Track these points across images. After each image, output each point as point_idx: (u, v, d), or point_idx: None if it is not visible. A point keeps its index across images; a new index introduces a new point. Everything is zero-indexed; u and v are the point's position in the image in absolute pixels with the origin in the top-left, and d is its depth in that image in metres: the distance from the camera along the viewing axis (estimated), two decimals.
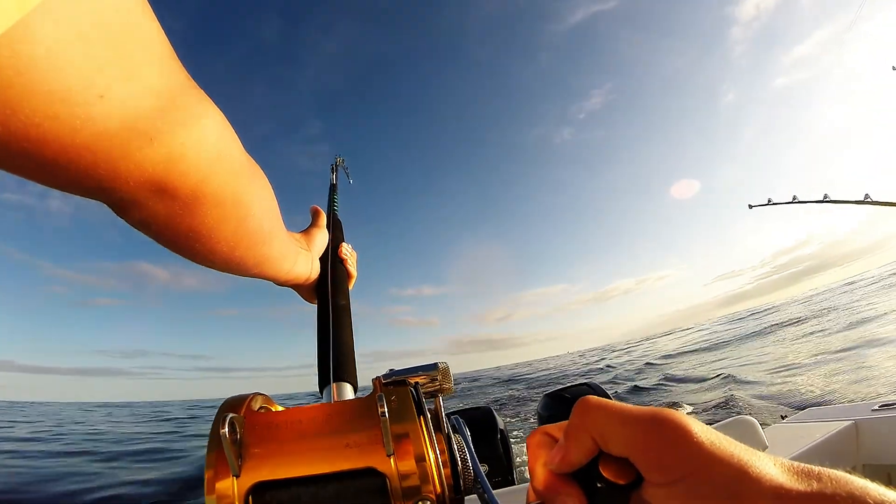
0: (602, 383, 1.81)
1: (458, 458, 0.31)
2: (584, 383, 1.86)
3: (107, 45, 0.19)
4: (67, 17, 0.17)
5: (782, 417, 2.02)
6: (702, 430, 0.25)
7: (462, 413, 1.85)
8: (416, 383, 0.33)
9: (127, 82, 0.21)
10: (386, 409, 0.27)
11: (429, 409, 0.32)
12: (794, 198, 4.00)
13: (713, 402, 8.69)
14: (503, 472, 1.75)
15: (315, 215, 0.68)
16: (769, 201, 4.09)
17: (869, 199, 3.47)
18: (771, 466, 0.24)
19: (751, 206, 4.20)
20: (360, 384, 0.53)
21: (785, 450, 1.55)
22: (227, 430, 0.25)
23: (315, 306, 0.61)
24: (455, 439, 0.33)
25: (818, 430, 1.61)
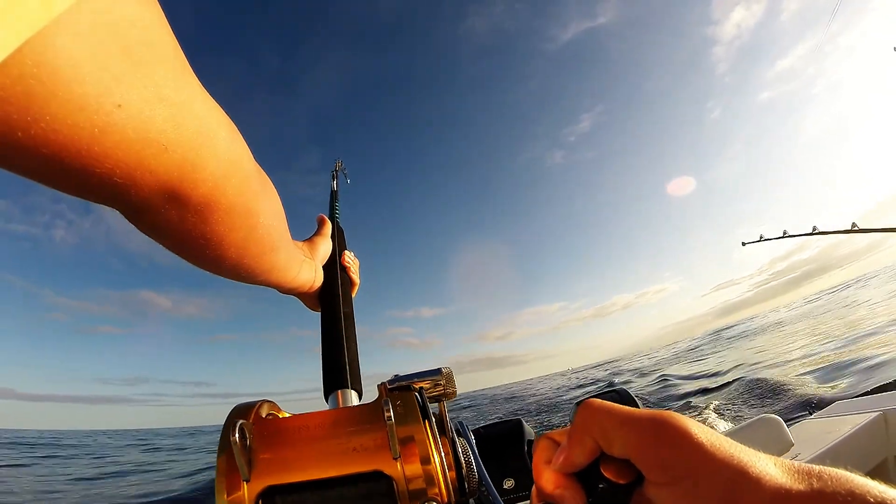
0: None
1: (463, 461, 0.32)
2: (614, 389, 1.81)
3: (124, 57, 0.20)
4: (88, 29, 0.18)
5: (809, 413, 1.95)
6: (701, 431, 0.26)
7: (492, 426, 1.79)
8: (421, 388, 0.34)
9: (143, 92, 0.22)
10: (392, 414, 0.28)
11: (434, 414, 0.33)
12: (785, 232, 4.11)
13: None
14: (530, 486, 1.64)
15: (320, 224, 0.70)
16: (761, 237, 4.20)
17: (856, 228, 3.58)
18: (771, 467, 0.24)
19: (744, 244, 4.32)
20: (365, 391, 0.54)
21: (812, 446, 1.49)
22: (237, 436, 0.26)
23: (319, 314, 0.62)
24: (460, 443, 0.34)
25: (846, 424, 1.56)
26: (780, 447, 1.35)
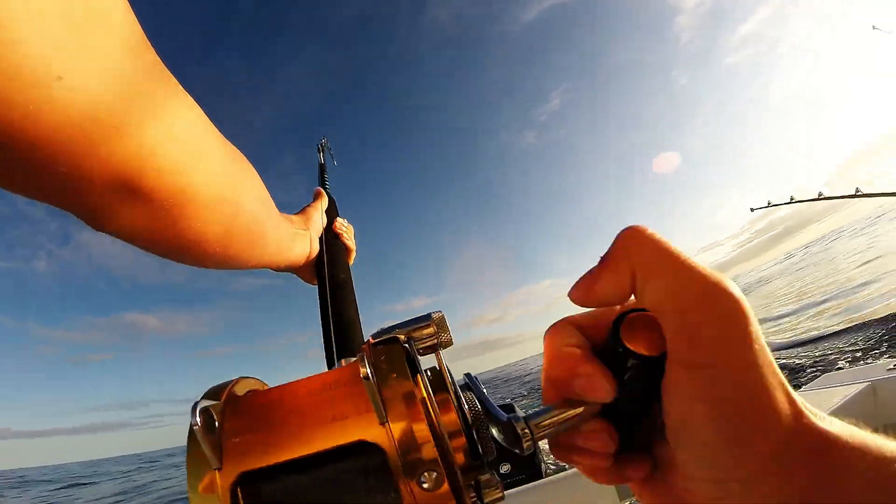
0: None
1: (470, 419, 0.27)
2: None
3: (65, 21, 0.17)
4: None
5: (796, 387, 2.06)
6: (756, 321, 0.21)
7: None
8: (409, 339, 0.29)
9: (88, 64, 0.19)
10: (369, 370, 0.23)
11: (432, 368, 0.29)
12: (792, 198, 4.12)
13: None
14: (528, 468, 1.73)
15: (316, 196, 0.68)
16: (769, 203, 4.21)
17: (860, 193, 3.58)
18: (802, 401, 0.21)
19: (752, 209, 4.34)
20: None
21: None
22: (197, 420, 0.22)
23: (316, 287, 0.58)
24: (466, 399, 0.29)
25: (836, 395, 1.66)
26: None
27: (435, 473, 0.22)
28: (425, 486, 0.22)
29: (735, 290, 0.21)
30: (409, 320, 0.29)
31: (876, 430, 0.21)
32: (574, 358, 0.24)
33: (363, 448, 0.23)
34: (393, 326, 0.29)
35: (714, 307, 0.20)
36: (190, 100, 0.27)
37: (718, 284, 0.21)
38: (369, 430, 0.23)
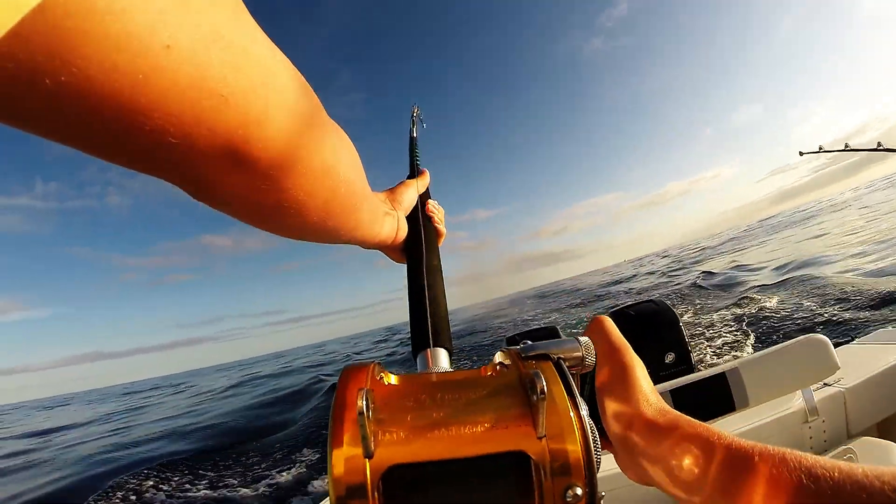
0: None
1: (591, 440, 0.28)
2: (651, 300, 1.84)
3: None
4: None
5: (852, 339, 2.00)
6: (635, 365, 0.38)
7: (633, 306, 1.84)
8: (560, 359, 0.30)
9: (195, 31, 0.18)
10: (545, 386, 0.24)
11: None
12: (846, 146, 3.82)
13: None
14: (686, 361, 1.78)
15: (411, 175, 0.67)
16: (820, 148, 3.91)
17: None
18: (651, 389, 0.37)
19: (801, 153, 4.02)
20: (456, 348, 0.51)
21: (858, 371, 1.53)
22: (364, 404, 0.22)
23: (405, 266, 0.59)
24: (587, 421, 0.30)
25: (891, 354, 1.59)
26: (825, 369, 1.35)
27: (580, 490, 0.24)
28: (569, 500, 0.24)
29: (606, 319, 0.41)
30: (559, 340, 0.34)
31: None
32: None
33: (517, 458, 0.24)
34: (544, 343, 0.32)
35: (595, 329, 0.40)
36: (291, 65, 0.26)
37: (620, 349, 0.39)
38: (527, 442, 0.24)
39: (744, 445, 0.29)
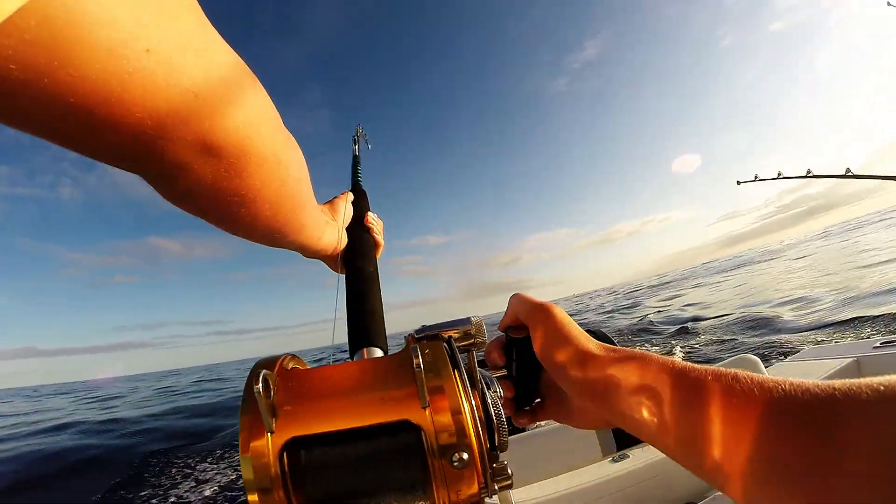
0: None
1: (493, 414, 0.31)
2: (591, 329, 1.89)
3: (149, 3, 0.21)
4: None
5: (783, 356, 2.09)
6: (564, 317, 0.42)
7: None
8: (450, 337, 0.33)
9: (170, 38, 0.22)
10: (420, 360, 0.27)
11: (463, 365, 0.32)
12: (779, 174, 4.11)
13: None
14: None
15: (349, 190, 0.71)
16: (756, 177, 4.19)
17: (850, 174, 3.59)
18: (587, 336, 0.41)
19: (739, 183, 4.30)
20: (390, 349, 0.54)
21: None
22: (260, 386, 0.25)
23: (342, 276, 0.62)
24: (490, 396, 0.33)
25: (820, 368, 1.67)
26: None
27: (466, 455, 0.26)
28: (455, 465, 0.26)
29: (548, 304, 0.43)
30: (451, 321, 0.36)
31: None
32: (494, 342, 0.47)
33: (405, 427, 0.27)
34: (438, 325, 0.35)
35: (523, 301, 0.44)
36: (248, 70, 0.30)
37: (543, 304, 0.43)
38: (412, 412, 0.27)
39: (697, 367, 0.32)
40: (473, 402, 0.28)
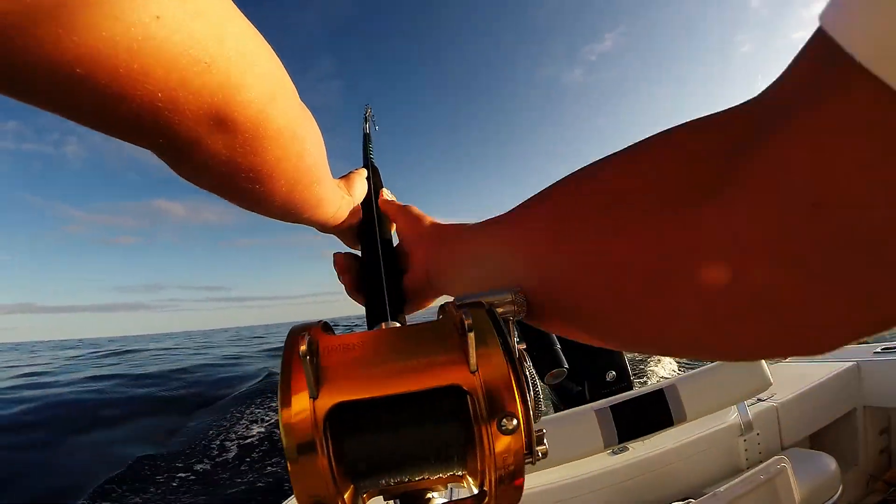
0: None
1: (530, 383, 0.31)
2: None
3: None
4: None
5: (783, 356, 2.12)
6: (418, 213, 0.53)
7: None
8: (492, 304, 0.33)
9: (181, 5, 0.21)
10: (473, 322, 0.26)
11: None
12: None
13: None
14: (626, 378, 1.91)
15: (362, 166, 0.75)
16: None
17: None
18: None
19: None
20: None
21: (790, 386, 1.62)
22: (306, 349, 0.24)
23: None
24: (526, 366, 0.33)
25: (821, 370, 1.69)
26: (759, 385, 1.43)
27: (515, 420, 0.25)
28: (503, 429, 0.25)
29: (406, 205, 0.55)
30: (492, 290, 0.35)
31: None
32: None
33: (453, 392, 0.26)
34: (478, 294, 0.34)
35: (395, 211, 0.55)
36: (264, 40, 0.29)
37: (405, 206, 0.54)
38: (461, 377, 0.26)
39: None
40: (518, 369, 0.28)
